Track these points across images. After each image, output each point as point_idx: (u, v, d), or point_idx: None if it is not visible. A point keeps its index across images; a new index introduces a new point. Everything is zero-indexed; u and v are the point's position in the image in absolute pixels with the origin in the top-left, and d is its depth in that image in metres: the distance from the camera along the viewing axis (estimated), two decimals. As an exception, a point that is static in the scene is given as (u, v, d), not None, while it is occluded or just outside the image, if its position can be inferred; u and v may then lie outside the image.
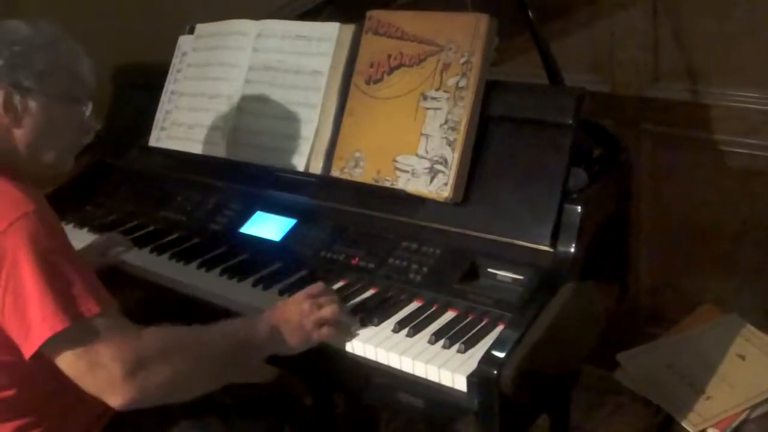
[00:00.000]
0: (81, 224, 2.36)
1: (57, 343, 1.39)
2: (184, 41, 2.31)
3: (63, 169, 1.67)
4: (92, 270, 1.52)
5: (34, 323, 1.38)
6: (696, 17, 2.24)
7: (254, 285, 1.87)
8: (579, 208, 1.65)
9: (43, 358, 1.41)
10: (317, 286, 1.69)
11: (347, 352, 1.64)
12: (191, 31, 2.31)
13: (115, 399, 1.43)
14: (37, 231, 1.40)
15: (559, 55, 2.03)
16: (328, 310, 1.63)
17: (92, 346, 1.41)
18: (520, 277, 1.67)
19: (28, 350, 1.40)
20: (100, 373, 1.42)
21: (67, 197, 2.47)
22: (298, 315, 1.62)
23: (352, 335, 1.64)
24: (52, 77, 1.56)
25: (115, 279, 2.09)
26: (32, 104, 1.54)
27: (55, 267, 1.40)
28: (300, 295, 1.67)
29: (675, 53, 2.31)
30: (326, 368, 1.73)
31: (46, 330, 1.37)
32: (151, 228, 2.26)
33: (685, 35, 2.28)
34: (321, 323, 1.62)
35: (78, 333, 1.40)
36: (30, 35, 1.56)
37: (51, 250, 1.41)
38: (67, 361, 1.42)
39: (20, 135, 1.54)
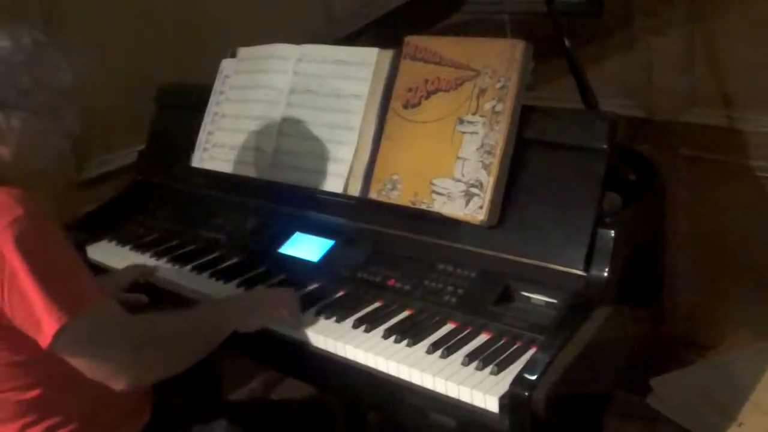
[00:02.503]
0: (123, 242, 2.40)
1: (63, 337, 1.44)
2: (227, 64, 2.35)
3: (61, 174, 1.66)
4: (86, 267, 1.56)
5: (44, 317, 1.43)
6: (732, 43, 2.25)
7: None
8: (612, 233, 1.67)
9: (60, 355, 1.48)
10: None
11: (382, 372, 1.66)
12: (233, 55, 2.35)
13: (120, 383, 1.52)
14: (28, 234, 1.44)
15: (594, 80, 2.04)
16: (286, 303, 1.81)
17: (95, 337, 1.49)
18: (554, 301, 1.68)
19: (43, 342, 1.45)
20: (105, 361, 1.50)
21: (108, 215, 2.52)
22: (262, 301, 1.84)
23: (388, 356, 1.66)
24: (33, 93, 1.56)
25: (153, 296, 2.14)
26: (15, 121, 1.54)
27: (48, 266, 1.45)
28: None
29: (711, 79, 2.31)
30: (360, 387, 1.75)
31: (54, 322, 1.43)
32: (191, 247, 2.29)
33: (721, 61, 2.29)
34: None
35: (80, 326, 1.46)
36: (10, 52, 1.54)
37: (43, 251, 1.46)
38: (75, 354, 1.49)
39: (5, 150, 1.55)
